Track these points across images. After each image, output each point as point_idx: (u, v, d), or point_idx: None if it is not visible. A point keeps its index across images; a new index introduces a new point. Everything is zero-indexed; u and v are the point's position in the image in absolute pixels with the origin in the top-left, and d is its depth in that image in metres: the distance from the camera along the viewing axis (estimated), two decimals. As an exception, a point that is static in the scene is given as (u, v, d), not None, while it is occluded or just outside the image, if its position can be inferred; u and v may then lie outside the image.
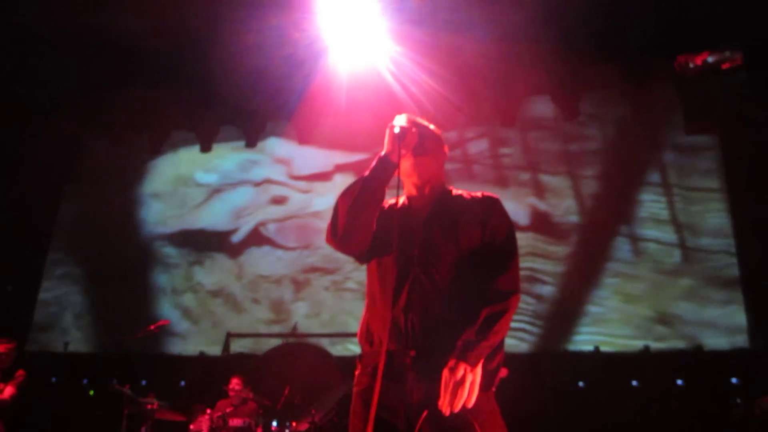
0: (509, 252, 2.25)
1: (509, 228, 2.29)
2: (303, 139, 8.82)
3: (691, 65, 7.53)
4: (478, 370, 2.06)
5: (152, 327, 5.88)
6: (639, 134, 7.71)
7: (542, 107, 8.08)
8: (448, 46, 6.75)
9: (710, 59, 7.45)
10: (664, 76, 7.57)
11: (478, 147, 8.24)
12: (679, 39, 7.27)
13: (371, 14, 6.14)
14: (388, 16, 6.25)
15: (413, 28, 6.45)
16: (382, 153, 2.28)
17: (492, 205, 2.31)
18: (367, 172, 2.27)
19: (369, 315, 2.31)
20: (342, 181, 8.38)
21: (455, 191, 2.41)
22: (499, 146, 8.16)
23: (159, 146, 9.28)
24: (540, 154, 7.92)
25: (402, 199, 2.42)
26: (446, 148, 2.46)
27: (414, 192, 2.38)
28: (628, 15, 6.74)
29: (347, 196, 2.24)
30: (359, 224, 2.24)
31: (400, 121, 2.36)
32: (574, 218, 7.56)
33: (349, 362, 7.26)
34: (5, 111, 8.04)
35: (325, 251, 7.95)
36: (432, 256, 2.22)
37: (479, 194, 2.38)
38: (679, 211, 7.27)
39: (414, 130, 2.31)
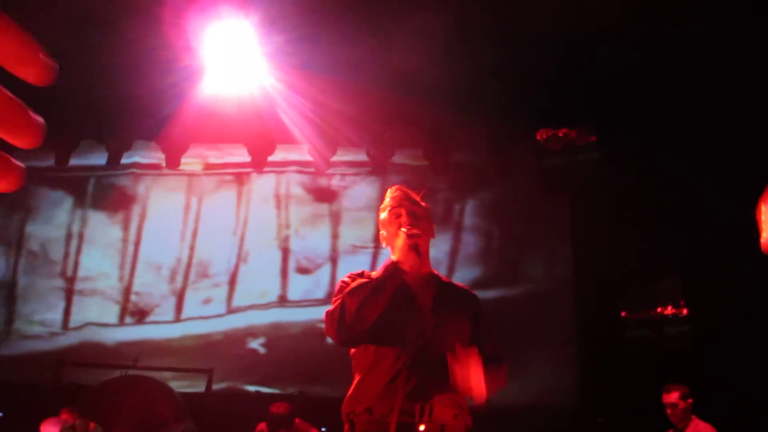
0: (495, 336, 2.50)
1: (485, 315, 2.52)
2: (170, 164, 8.52)
3: (551, 138, 8.10)
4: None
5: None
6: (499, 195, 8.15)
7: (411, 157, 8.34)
8: (326, 84, 6.84)
9: (567, 135, 8.06)
10: (525, 144, 8.06)
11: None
12: (542, 114, 7.83)
13: (247, 41, 6.12)
14: (265, 46, 6.25)
15: (290, 61, 6.51)
16: (394, 258, 2.32)
17: (478, 302, 2.54)
18: (377, 276, 2.32)
19: (365, 388, 2.34)
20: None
21: (440, 276, 2.57)
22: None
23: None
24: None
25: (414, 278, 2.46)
26: (433, 226, 2.55)
27: (409, 271, 2.33)
28: (501, 84, 7.18)
29: (355, 297, 2.27)
30: (365, 324, 2.29)
31: (413, 223, 2.39)
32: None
33: (192, 399, 6.98)
34: None
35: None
36: (440, 339, 2.33)
37: (462, 286, 2.61)
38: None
39: (423, 239, 2.39)
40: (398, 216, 2.44)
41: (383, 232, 2.52)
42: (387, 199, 2.52)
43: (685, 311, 6.90)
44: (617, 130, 7.48)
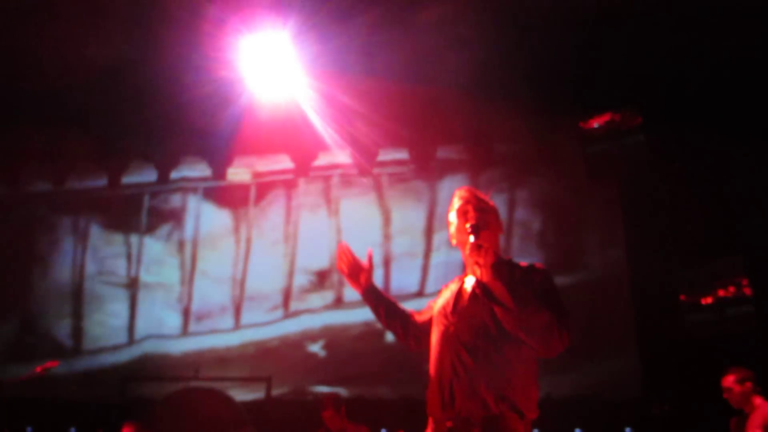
0: (544, 290, 2.29)
1: (543, 277, 2.34)
2: (217, 176, 8.68)
3: (595, 125, 7.97)
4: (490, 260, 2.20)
5: (39, 369, 5.49)
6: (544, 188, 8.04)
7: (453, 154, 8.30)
8: (365, 86, 6.89)
9: (612, 120, 7.92)
10: (568, 133, 7.95)
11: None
12: (585, 100, 7.71)
13: (287, 54, 6.21)
14: (304, 57, 6.33)
15: (329, 69, 6.58)
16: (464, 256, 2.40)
17: (538, 272, 2.37)
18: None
19: (430, 384, 2.42)
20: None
21: (512, 262, 2.46)
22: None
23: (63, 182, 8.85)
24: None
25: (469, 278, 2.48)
26: (502, 222, 2.56)
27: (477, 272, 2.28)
28: (539, 73, 7.10)
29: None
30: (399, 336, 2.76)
31: (479, 218, 2.43)
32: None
33: (254, 407, 7.10)
34: None
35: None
36: (469, 327, 2.33)
37: (524, 265, 2.44)
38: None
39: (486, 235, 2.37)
40: (465, 213, 2.47)
41: (452, 231, 2.53)
42: (455, 200, 2.55)
43: (747, 291, 6.68)
44: (663, 112, 7.32)
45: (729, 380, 4.59)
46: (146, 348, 8.14)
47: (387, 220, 8.30)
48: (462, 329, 2.34)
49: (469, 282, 2.46)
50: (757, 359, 4.79)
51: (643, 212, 7.32)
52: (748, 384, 4.53)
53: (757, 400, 4.50)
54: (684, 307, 6.91)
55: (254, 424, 5.90)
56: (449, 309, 2.45)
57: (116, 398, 7.50)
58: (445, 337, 2.39)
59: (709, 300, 6.81)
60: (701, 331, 6.71)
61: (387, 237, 8.24)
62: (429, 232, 8.13)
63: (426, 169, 8.32)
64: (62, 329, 8.27)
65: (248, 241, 8.47)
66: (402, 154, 8.39)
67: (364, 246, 2.87)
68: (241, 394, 7.31)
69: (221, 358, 7.86)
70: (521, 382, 2.26)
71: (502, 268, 2.27)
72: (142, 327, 8.24)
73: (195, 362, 7.64)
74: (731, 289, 6.77)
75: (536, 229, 7.92)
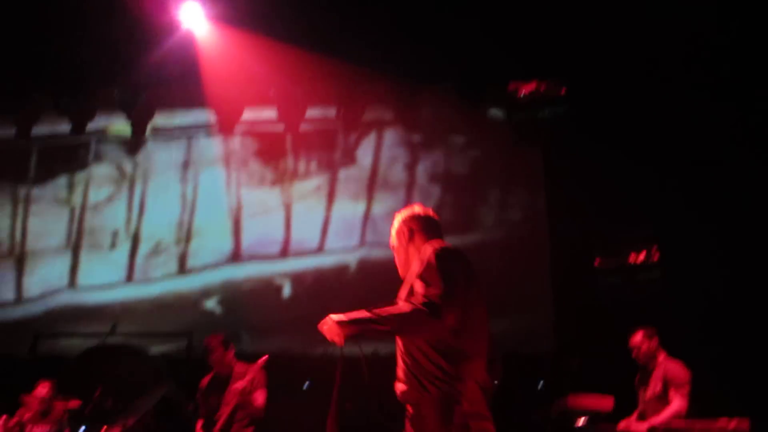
0: (421, 279, 2.57)
1: (426, 265, 2.59)
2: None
3: (522, 93, 8.11)
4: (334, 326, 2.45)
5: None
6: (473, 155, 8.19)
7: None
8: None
9: (537, 89, 8.08)
10: (496, 100, 8.08)
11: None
12: (512, 68, 7.83)
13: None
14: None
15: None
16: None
17: (428, 253, 2.65)
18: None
19: None
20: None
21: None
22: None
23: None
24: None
25: None
26: (403, 228, 2.90)
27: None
28: (466, 42, 7.17)
29: None
30: None
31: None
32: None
33: (170, 364, 6.98)
34: None
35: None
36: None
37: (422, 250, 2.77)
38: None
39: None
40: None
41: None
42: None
43: (656, 257, 7.04)
44: (587, 82, 7.53)
45: (637, 337, 4.85)
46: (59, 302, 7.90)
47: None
48: None
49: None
50: (662, 322, 5.08)
51: (564, 179, 7.55)
52: (656, 339, 4.81)
53: (661, 356, 4.79)
54: (598, 270, 7.22)
55: (175, 381, 5.80)
56: None
57: (27, 355, 7.22)
58: None
59: (621, 264, 7.15)
60: (613, 293, 7.05)
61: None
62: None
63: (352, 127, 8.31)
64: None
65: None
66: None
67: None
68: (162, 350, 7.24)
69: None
70: (425, 363, 2.52)
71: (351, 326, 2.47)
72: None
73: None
74: (642, 254, 7.13)
75: (463, 187, 8.08)
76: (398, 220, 2.94)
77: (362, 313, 2.46)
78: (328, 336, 2.47)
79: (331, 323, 2.45)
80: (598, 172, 7.17)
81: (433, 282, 2.50)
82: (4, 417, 5.40)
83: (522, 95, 8.05)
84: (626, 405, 4.85)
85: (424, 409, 2.49)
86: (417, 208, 2.97)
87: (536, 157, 7.99)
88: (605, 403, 4.76)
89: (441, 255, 2.60)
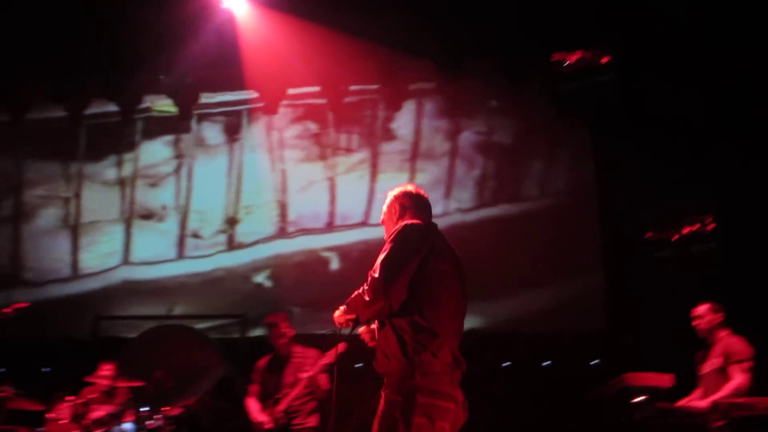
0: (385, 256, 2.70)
1: (388, 246, 2.72)
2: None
3: (566, 63, 7.94)
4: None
5: (9, 310, 5.41)
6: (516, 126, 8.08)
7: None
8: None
9: (583, 58, 7.89)
10: (539, 72, 7.92)
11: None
12: (555, 38, 7.66)
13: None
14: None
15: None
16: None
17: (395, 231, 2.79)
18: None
19: None
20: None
21: None
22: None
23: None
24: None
25: None
26: (394, 204, 2.99)
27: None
28: (507, 14, 7.05)
29: None
30: None
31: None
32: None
33: (226, 345, 7.15)
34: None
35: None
36: None
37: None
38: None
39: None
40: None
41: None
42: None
43: (711, 228, 6.88)
44: (635, 50, 7.32)
45: (703, 308, 4.76)
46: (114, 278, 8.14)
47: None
48: None
49: None
50: (718, 294, 4.97)
51: (612, 149, 7.41)
52: (721, 315, 4.72)
53: (722, 333, 4.70)
54: (650, 242, 7.09)
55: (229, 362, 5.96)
56: None
57: (88, 337, 7.46)
58: None
59: (675, 236, 7.00)
60: (666, 266, 6.92)
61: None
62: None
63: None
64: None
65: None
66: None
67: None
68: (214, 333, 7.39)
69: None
70: (390, 336, 2.65)
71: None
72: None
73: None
74: (696, 226, 6.97)
75: (506, 157, 8.02)
76: (390, 196, 3.03)
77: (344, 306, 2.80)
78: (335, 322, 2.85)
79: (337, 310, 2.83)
80: (648, 141, 7.01)
81: (381, 261, 2.66)
82: (72, 398, 5.60)
83: (567, 65, 7.88)
84: (686, 383, 4.78)
85: (388, 380, 2.66)
86: (410, 187, 3.05)
87: (583, 127, 7.85)
88: (664, 380, 4.68)
89: (398, 233, 2.74)
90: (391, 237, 2.74)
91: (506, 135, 8.10)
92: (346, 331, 2.80)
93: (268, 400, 4.88)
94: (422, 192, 3.04)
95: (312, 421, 4.81)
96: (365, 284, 2.66)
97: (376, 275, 2.62)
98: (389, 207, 3.00)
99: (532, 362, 6.76)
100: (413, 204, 2.96)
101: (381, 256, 2.68)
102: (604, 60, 7.69)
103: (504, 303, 7.36)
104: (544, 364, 6.72)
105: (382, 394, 2.66)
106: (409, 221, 2.83)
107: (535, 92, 7.97)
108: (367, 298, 2.63)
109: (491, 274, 7.18)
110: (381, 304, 2.61)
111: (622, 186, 7.22)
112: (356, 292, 2.71)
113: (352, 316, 2.75)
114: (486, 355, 6.63)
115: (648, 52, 7.17)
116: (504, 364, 6.86)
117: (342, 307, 2.77)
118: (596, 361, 6.49)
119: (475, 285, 7.38)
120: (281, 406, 4.76)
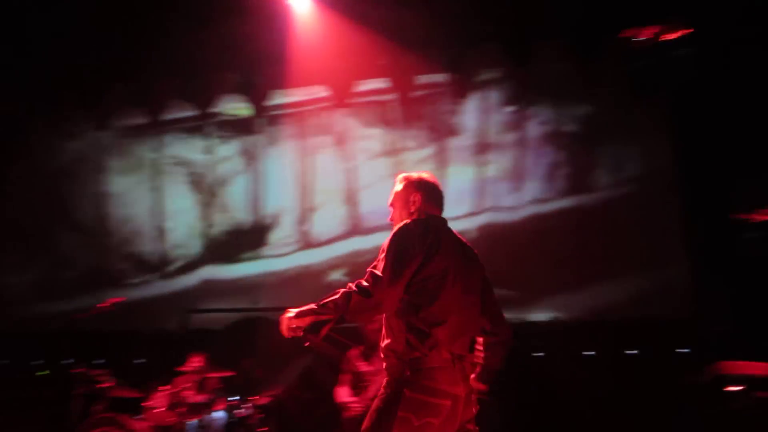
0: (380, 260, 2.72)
1: (386, 242, 2.73)
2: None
3: (638, 38, 7.68)
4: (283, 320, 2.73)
5: (106, 305, 5.70)
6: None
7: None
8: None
9: (658, 33, 7.61)
10: (611, 49, 7.70)
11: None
12: (627, 14, 7.43)
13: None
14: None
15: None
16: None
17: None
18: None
19: None
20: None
21: None
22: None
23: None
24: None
25: None
26: (408, 190, 2.94)
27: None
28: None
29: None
30: None
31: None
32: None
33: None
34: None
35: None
36: None
37: None
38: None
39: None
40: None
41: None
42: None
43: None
44: (713, 22, 7.02)
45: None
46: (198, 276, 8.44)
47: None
48: None
49: None
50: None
51: (693, 128, 7.15)
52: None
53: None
54: (736, 224, 6.82)
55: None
56: None
57: (178, 329, 7.77)
58: None
59: (763, 217, 6.71)
60: (755, 249, 6.64)
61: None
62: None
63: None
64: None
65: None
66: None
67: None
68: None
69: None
70: (388, 333, 2.74)
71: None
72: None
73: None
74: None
75: (578, 145, 7.85)
76: (401, 181, 2.98)
77: (309, 306, 2.69)
78: (281, 329, 2.70)
79: (282, 317, 2.70)
80: (730, 118, 6.73)
81: (377, 263, 2.68)
82: (167, 388, 5.86)
83: (639, 41, 7.62)
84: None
85: (386, 375, 2.71)
86: (425, 174, 3.00)
87: (659, 106, 7.58)
88: (762, 368, 4.54)
89: (396, 234, 2.73)
90: (392, 236, 2.73)
91: (577, 121, 7.91)
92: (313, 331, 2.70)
93: (359, 388, 5.01)
94: (437, 182, 3.00)
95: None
96: (360, 281, 2.65)
97: (379, 273, 2.62)
98: (402, 193, 2.96)
99: (618, 349, 6.64)
100: (426, 194, 2.93)
101: (382, 255, 2.69)
102: (681, 33, 7.41)
103: (586, 293, 7.24)
104: (630, 352, 6.57)
105: (382, 387, 2.73)
106: (409, 220, 2.81)
107: (605, 73, 7.75)
108: (365, 296, 2.61)
109: (571, 264, 7.09)
110: (380, 303, 2.63)
111: (704, 164, 6.97)
112: (341, 291, 2.67)
113: (322, 318, 2.66)
114: (570, 344, 6.58)
115: (729, 21, 6.87)
116: (588, 353, 6.75)
117: (291, 311, 2.70)
118: (685, 349, 6.30)
119: (555, 275, 7.34)
120: (369, 393, 4.87)
